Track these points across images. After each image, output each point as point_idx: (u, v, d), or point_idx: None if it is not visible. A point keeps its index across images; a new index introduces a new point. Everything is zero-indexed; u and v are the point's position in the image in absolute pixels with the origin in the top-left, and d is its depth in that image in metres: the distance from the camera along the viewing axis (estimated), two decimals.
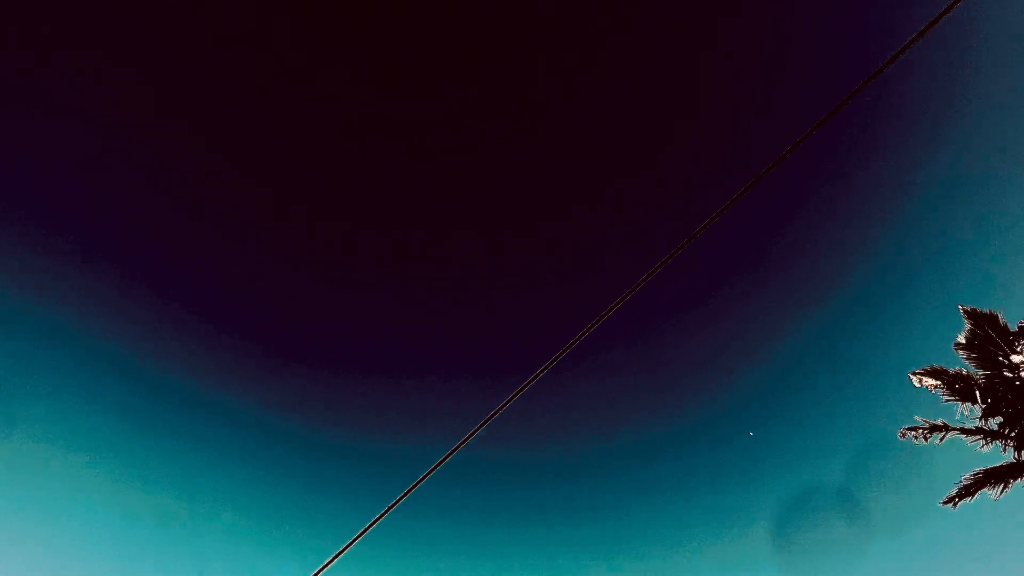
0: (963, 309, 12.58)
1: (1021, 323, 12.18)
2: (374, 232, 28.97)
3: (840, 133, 24.38)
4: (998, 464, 12.46)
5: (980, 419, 12.61)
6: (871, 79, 3.57)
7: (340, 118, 26.67)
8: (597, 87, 26.85)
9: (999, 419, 12.35)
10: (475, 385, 29.60)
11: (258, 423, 29.20)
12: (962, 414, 12.80)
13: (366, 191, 28.50)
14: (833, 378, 28.93)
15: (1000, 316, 12.22)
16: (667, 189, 28.43)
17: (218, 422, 28.73)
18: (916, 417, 13.03)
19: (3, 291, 24.53)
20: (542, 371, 3.94)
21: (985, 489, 12.40)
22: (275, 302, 29.18)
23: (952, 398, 12.80)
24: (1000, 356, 12.18)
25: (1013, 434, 12.20)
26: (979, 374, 12.51)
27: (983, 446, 12.61)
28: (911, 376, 13.27)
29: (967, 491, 12.57)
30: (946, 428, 12.82)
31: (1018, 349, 12.11)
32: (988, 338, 12.23)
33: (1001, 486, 12.27)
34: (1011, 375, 12.12)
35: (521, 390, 3.94)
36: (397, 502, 3.95)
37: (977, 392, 12.32)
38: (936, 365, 12.97)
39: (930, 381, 12.96)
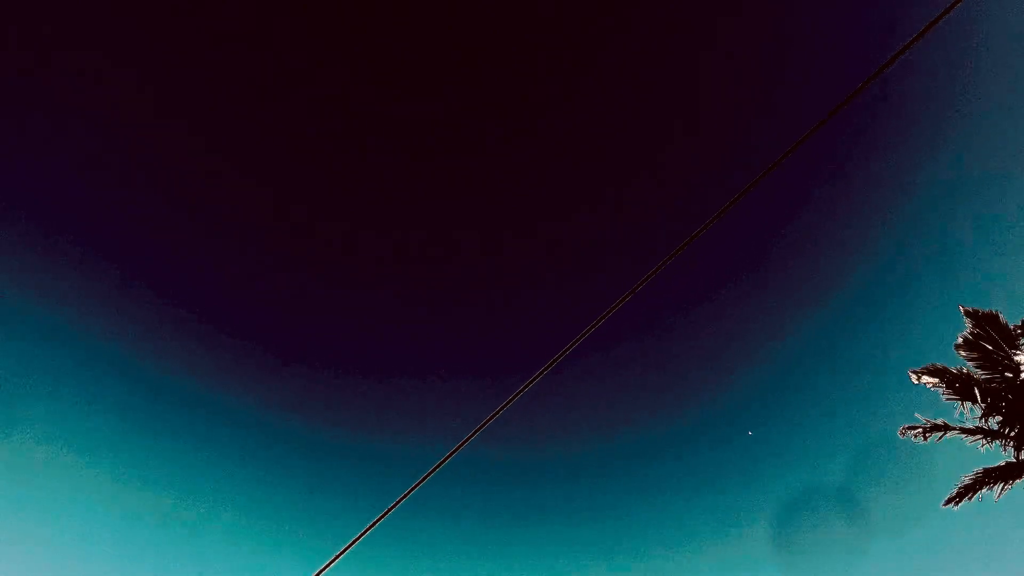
0: (964, 309, 12.58)
1: (1021, 321, 12.17)
2: (374, 232, 29.00)
3: (840, 133, 24.39)
4: (998, 464, 12.46)
5: (980, 419, 12.61)
6: (871, 79, 3.57)
7: (340, 118, 26.69)
8: (597, 87, 26.87)
9: (999, 419, 12.35)
10: (475, 385, 29.64)
11: (258, 423, 29.23)
12: (961, 414, 12.81)
13: (366, 191, 28.53)
14: (833, 378, 28.96)
15: (1000, 315, 12.22)
16: (667, 189, 28.45)
17: (218, 422, 28.76)
18: (917, 415, 13.05)
19: (3, 291, 24.55)
20: (543, 371, 3.94)
21: (985, 489, 12.40)
22: (275, 302, 29.21)
23: (952, 397, 12.80)
24: (1000, 356, 12.18)
25: (1013, 434, 12.20)
26: (979, 374, 12.51)
27: (982, 446, 12.61)
28: (910, 373, 13.27)
29: (967, 491, 12.56)
30: (946, 427, 12.82)
31: (1019, 348, 12.11)
32: (989, 338, 12.22)
33: (1001, 486, 12.27)
34: (1012, 375, 12.12)
35: (522, 390, 3.94)
36: (398, 502, 3.95)
37: (977, 391, 12.31)
38: (936, 364, 12.97)
39: (929, 379, 12.96)
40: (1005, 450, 12.37)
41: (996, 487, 12.32)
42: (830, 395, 28.96)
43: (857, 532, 25.98)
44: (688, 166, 28.11)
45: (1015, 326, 12.15)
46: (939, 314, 24.54)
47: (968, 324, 12.54)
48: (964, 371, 12.63)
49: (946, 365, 12.91)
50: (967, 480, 12.58)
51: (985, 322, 12.26)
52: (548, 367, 3.94)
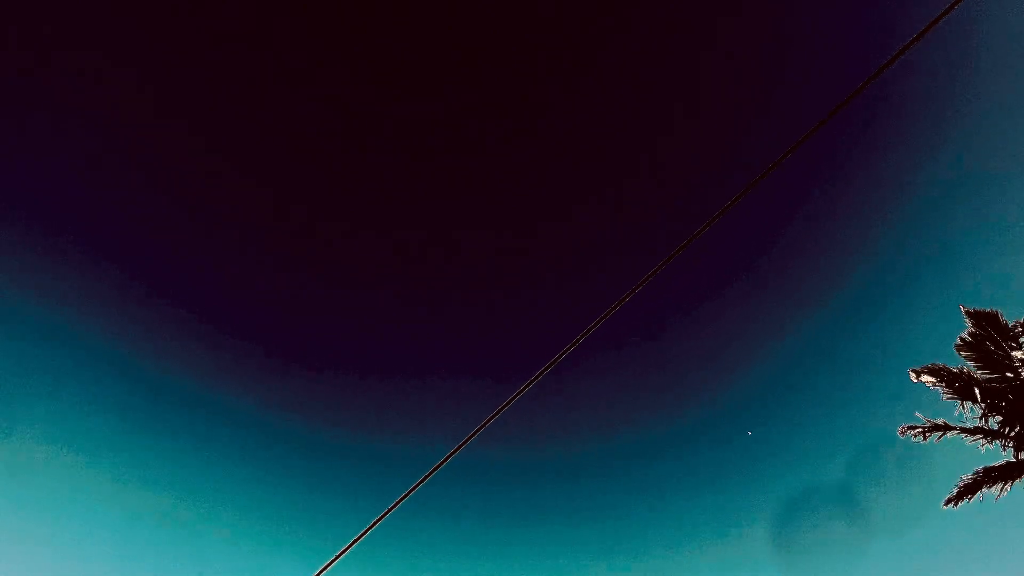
0: (964, 309, 12.56)
1: (1020, 320, 12.13)
2: (374, 232, 29.00)
3: (840, 133, 24.40)
4: (998, 464, 12.46)
5: (980, 418, 12.61)
6: (871, 79, 3.57)
7: (340, 118, 26.69)
8: (597, 87, 26.87)
9: (999, 418, 12.34)
10: (475, 385, 29.64)
11: (259, 423, 29.23)
12: (961, 414, 12.81)
13: (366, 191, 28.53)
14: (833, 378, 28.97)
15: (1001, 315, 12.20)
16: (667, 189, 28.46)
17: (218, 422, 28.77)
18: (917, 414, 13.05)
19: (3, 291, 24.55)
20: (543, 371, 3.94)
21: (985, 489, 12.39)
22: (275, 302, 29.21)
23: (952, 396, 12.79)
24: (1001, 355, 12.17)
25: (1013, 433, 12.20)
26: (980, 373, 12.49)
27: (982, 446, 12.61)
28: (910, 372, 13.26)
29: (967, 491, 12.56)
30: (946, 427, 12.82)
31: (1020, 347, 12.09)
32: (989, 337, 12.21)
33: (1001, 485, 12.27)
34: (1012, 374, 12.11)
35: (522, 391, 3.94)
36: (398, 503, 3.95)
37: (977, 391, 12.30)
38: (936, 364, 12.97)
39: (929, 378, 12.95)
40: (1005, 450, 12.38)
41: (996, 487, 12.32)
42: (830, 395, 28.98)
43: (857, 532, 26.00)
44: (688, 166, 28.14)
45: (1016, 323, 12.13)
46: (939, 314, 24.57)
47: (968, 324, 12.53)
48: (964, 371, 12.62)
49: (947, 365, 12.92)
50: (967, 480, 12.58)
51: (985, 321, 12.25)
52: (548, 367, 3.95)
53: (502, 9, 24.75)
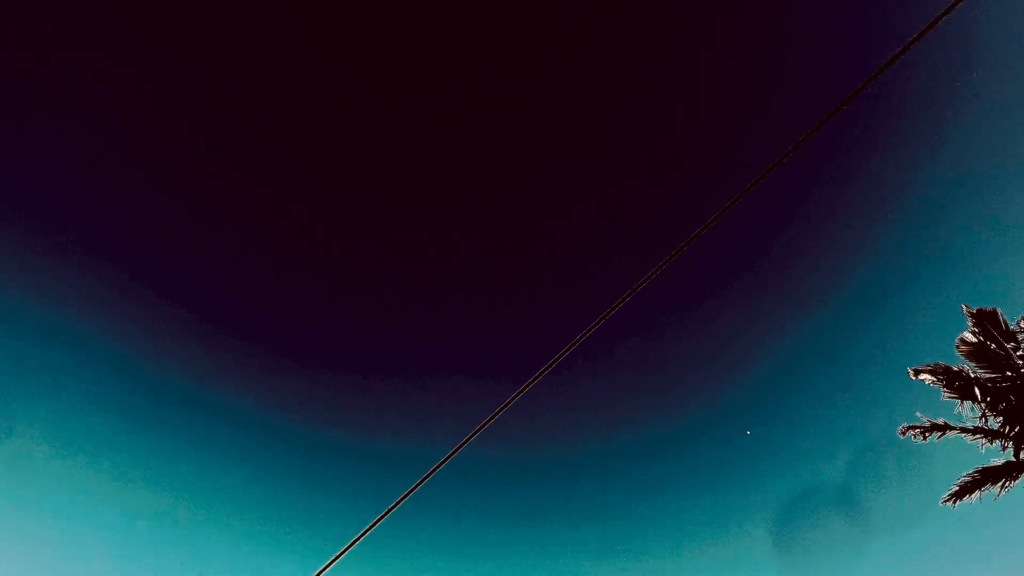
0: (966, 308, 12.53)
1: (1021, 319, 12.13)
2: (374, 232, 29.00)
3: (840, 133, 24.39)
4: (997, 463, 12.46)
5: (980, 418, 12.61)
6: (871, 79, 3.57)
7: (340, 118, 26.68)
8: (597, 87, 26.87)
9: (999, 418, 12.34)
10: (475, 385, 29.64)
11: (258, 423, 29.23)
12: (960, 415, 12.81)
13: (366, 191, 28.52)
14: (833, 378, 28.96)
15: (1001, 314, 12.19)
16: (667, 189, 28.46)
17: (218, 422, 28.77)
18: (918, 414, 13.04)
19: (3, 291, 24.55)
20: (543, 371, 3.94)
21: (985, 488, 12.39)
22: (275, 302, 29.21)
23: (952, 395, 12.78)
24: (1001, 354, 12.17)
25: (1013, 433, 12.19)
26: (980, 373, 12.49)
27: (982, 445, 12.61)
28: (909, 371, 13.25)
29: (965, 489, 12.56)
30: (946, 427, 12.81)
31: (1020, 346, 12.09)
32: (990, 336, 12.20)
33: (1000, 485, 12.27)
34: (1012, 373, 12.11)
35: (522, 391, 3.94)
36: (398, 503, 3.95)
37: (977, 390, 12.30)
38: (937, 363, 12.96)
39: (928, 377, 12.94)
40: (1004, 449, 12.38)
41: (996, 486, 12.32)
42: (830, 395, 28.98)
43: (857, 532, 26.00)
44: (688, 166, 28.13)
45: (1018, 322, 12.12)
46: (939, 314, 24.57)
47: (969, 322, 12.51)
48: (964, 370, 12.62)
49: (947, 364, 12.91)
50: (966, 478, 12.58)
51: (986, 320, 12.24)
52: (548, 367, 3.95)
53: (502, 9, 24.76)
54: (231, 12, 24.08)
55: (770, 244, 28.53)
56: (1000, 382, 12.27)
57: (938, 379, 12.83)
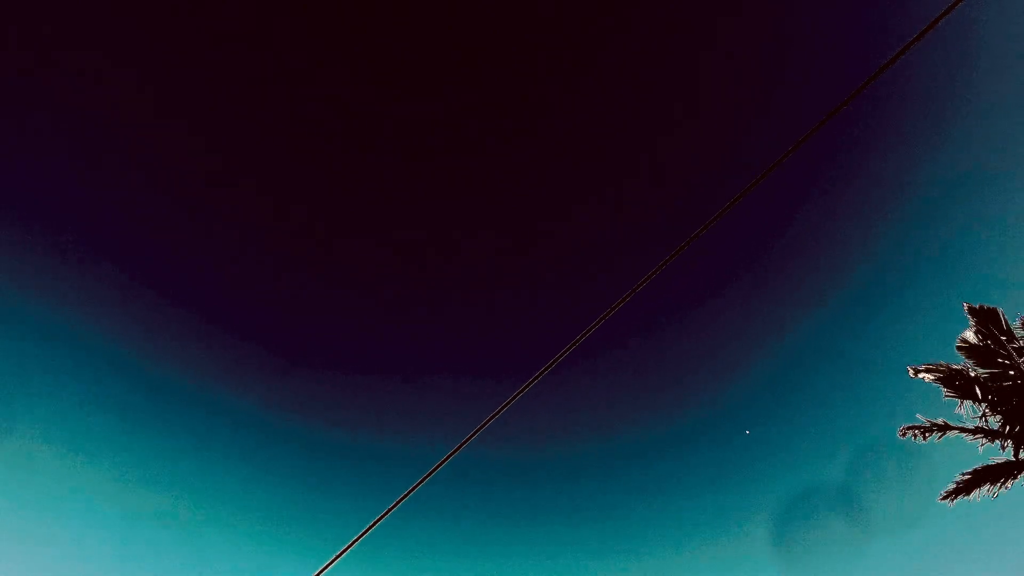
0: (967, 306, 12.48)
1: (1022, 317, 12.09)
2: (374, 232, 29.01)
3: (840, 133, 24.40)
4: (995, 462, 12.45)
5: (980, 417, 12.59)
6: (871, 79, 3.58)
7: (340, 118, 26.69)
8: (597, 87, 26.87)
9: (999, 418, 12.33)
10: (475, 385, 29.65)
11: (259, 423, 29.24)
12: (959, 416, 12.80)
13: (366, 191, 28.53)
14: (833, 378, 28.97)
15: (1002, 313, 12.17)
16: (667, 189, 28.46)
17: (219, 422, 28.78)
18: (918, 416, 13.03)
19: (3, 291, 24.55)
20: (543, 371, 3.94)
21: (984, 487, 12.39)
22: (275, 302, 29.22)
23: (952, 395, 12.77)
24: (1002, 353, 12.15)
25: (1014, 433, 12.18)
26: (981, 372, 12.47)
27: (982, 445, 12.60)
28: (909, 369, 13.23)
29: (964, 488, 12.55)
30: (946, 427, 12.80)
31: (1020, 345, 12.07)
32: (990, 335, 12.18)
33: (999, 485, 12.26)
34: (1013, 373, 12.10)
35: (522, 391, 3.94)
36: (398, 503, 3.95)
37: (978, 389, 12.28)
38: (938, 362, 12.95)
39: (928, 375, 12.93)
40: (1004, 449, 12.37)
41: (995, 486, 12.31)
42: (830, 395, 29.00)
43: (857, 532, 26.00)
44: (688, 166, 28.14)
45: (1021, 317, 12.08)
46: (939, 314, 24.59)
47: (971, 321, 12.47)
48: (964, 369, 12.60)
49: (948, 363, 12.90)
50: (964, 477, 12.57)
51: (987, 319, 12.22)
52: (548, 367, 3.95)
53: (502, 9, 24.77)
54: (231, 12, 24.10)
55: (770, 244, 28.56)
56: (1001, 381, 12.26)
57: (938, 378, 12.82)
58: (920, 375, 13.07)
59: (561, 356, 3.97)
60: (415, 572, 28.95)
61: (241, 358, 28.70)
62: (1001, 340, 12.07)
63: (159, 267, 27.44)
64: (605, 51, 26.00)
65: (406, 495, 3.96)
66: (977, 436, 12.62)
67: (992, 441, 12.49)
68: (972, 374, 12.49)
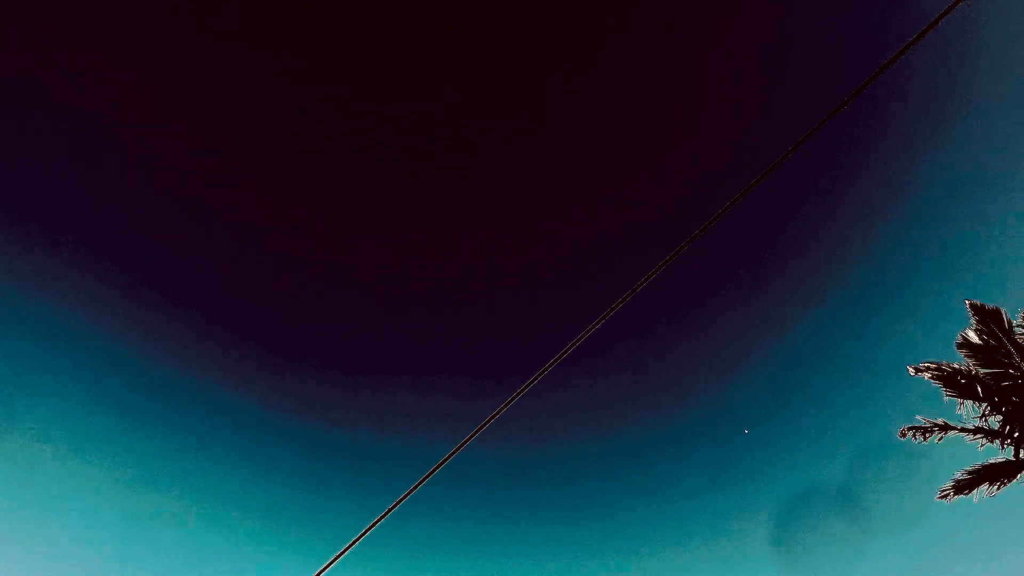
0: (970, 304, 12.43)
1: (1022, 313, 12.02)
2: (374, 232, 29.01)
3: (840, 133, 24.40)
4: (994, 462, 12.44)
5: (980, 417, 12.58)
6: (872, 79, 3.57)
7: (340, 118, 26.69)
8: (597, 87, 26.87)
9: (999, 418, 12.32)
10: (475, 385, 29.65)
11: (259, 423, 29.24)
12: (959, 416, 12.79)
13: (366, 191, 28.53)
14: (833, 378, 28.97)
15: (1004, 312, 12.14)
16: (667, 189, 28.46)
17: (219, 422, 28.78)
18: (917, 417, 13.02)
19: (3, 291, 24.55)
20: (543, 371, 3.94)
21: (983, 486, 12.38)
22: (275, 302, 29.22)
23: (952, 394, 12.76)
24: (1003, 352, 12.13)
25: (1016, 434, 12.17)
26: (982, 371, 12.45)
27: (982, 446, 12.60)
28: (909, 368, 13.21)
29: (962, 487, 12.54)
30: (946, 427, 12.79)
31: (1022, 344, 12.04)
32: (991, 334, 12.16)
33: (998, 484, 12.25)
34: (1014, 371, 12.08)
35: (522, 391, 3.94)
36: (398, 503, 3.95)
37: (979, 388, 12.26)
38: (940, 361, 12.93)
39: (928, 375, 12.92)
40: (1004, 448, 12.36)
41: (994, 485, 12.31)
42: (830, 395, 29.00)
43: (857, 532, 26.01)
44: (688, 166, 28.14)
45: (1022, 312, 12.04)
46: (939, 314, 24.59)
47: (972, 320, 12.43)
48: (965, 368, 12.57)
49: (948, 362, 12.88)
50: (963, 476, 12.56)
51: (989, 318, 12.19)
52: (548, 367, 3.95)
53: (502, 9, 24.77)
54: (231, 12, 24.10)
55: (770, 244, 28.56)
56: (1002, 380, 12.24)
57: (939, 377, 12.80)
58: (920, 374, 13.06)
59: (561, 356, 3.97)
60: (415, 572, 28.98)
61: (241, 358, 28.72)
62: (1003, 340, 12.05)
63: (159, 267, 27.46)
64: (605, 51, 26.02)
65: (406, 495, 3.96)
66: (977, 436, 12.61)
67: (992, 441, 12.49)
68: (974, 373, 12.47)
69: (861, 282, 27.60)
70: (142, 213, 26.51)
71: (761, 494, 28.82)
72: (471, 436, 3.98)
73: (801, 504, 26.56)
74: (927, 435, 12.85)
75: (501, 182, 28.46)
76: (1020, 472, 12.17)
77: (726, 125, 27.13)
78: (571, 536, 29.83)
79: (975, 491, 12.47)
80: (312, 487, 29.45)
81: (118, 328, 27.11)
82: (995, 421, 12.43)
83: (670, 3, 24.82)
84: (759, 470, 29.24)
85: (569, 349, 3.96)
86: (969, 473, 12.53)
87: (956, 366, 12.71)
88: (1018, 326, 12.03)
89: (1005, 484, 12.25)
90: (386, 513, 3.96)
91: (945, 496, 12.79)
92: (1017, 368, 12.05)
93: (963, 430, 12.75)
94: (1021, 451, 12.15)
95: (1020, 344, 12.04)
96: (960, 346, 12.67)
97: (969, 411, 12.70)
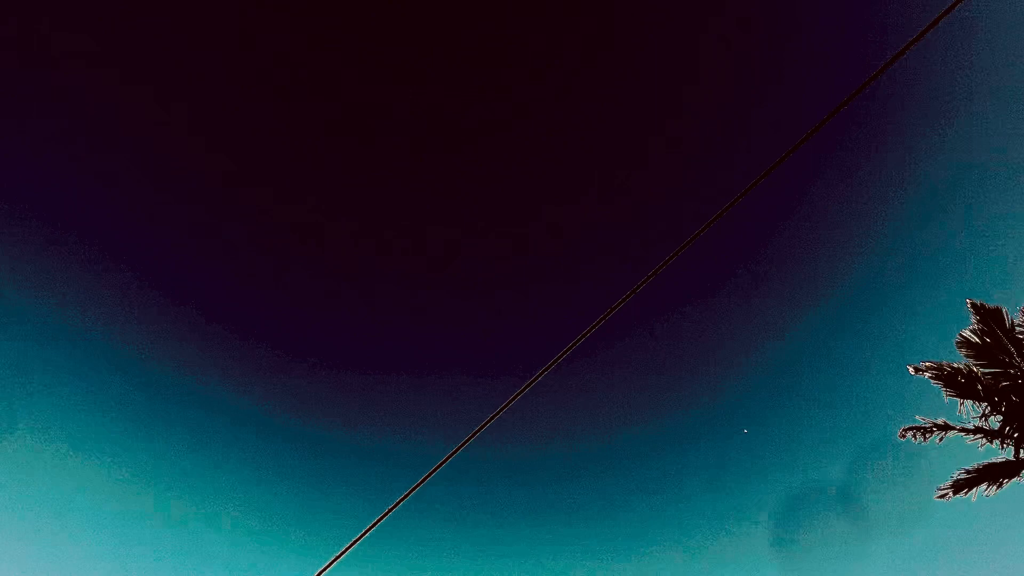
0: (971, 303, 12.42)
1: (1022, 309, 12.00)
2: (375, 231, 29.02)
3: (840, 133, 24.40)
4: (993, 461, 12.43)
5: (980, 417, 12.58)
6: (872, 79, 3.57)
7: (341, 118, 26.69)
8: (598, 87, 26.87)
9: (999, 417, 12.31)
10: (475, 385, 29.66)
11: (259, 423, 29.24)
12: (959, 417, 12.79)
13: (366, 191, 28.54)
14: (833, 378, 28.97)
15: (1005, 311, 12.13)
16: (667, 189, 28.47)
17: (219, 422, 28.78)
18: (917, 417, 13.01)
19: (3, 291, 24.56)
20: (543, 371, 3.94)
21: (980, 486, 12.38)
22: (275, 302, 29.23)
23: (952, 394, 12.76)
24: (1004, 352, 12.12)
25: (1016, 434, 12.16)
26: (982, 371, 12.44)
27: (982, 446, 12.59)
28: (909, 368, 13.20)
29: (960, 487, 12.54)
30: (946, 427, 12.78)
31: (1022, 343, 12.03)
32: (992, 333, 12.15)
33: (996, 484, 12.25)
34: (1015, 371, 12.07)
35: (522, 391, 3.94)
36: (399, 503, 3.95)
37: (980, 388, 12.25)
38: (941, 361, 12.93)
39: (928, 374, 12.92)
40: (1004, 448, 12.35)
41: (992, 485, 12.30)
42: (830, 395, 28.99)
43: (857, 531, 26.01)
44: (688, 166, 28.15)
45: (1022, 308, 12.02)
46: (939, 315, 24.60)
47: (973, 319, 12.42)
48: (965, 368, 12.56)
49: (948, 362, 12.87)
50: (961, 476, 12.56)
51: (990, 317, 12.18)
52: (548, 367, 3.95)
53: (500, 9, 24.78)
54: (231, 12, 24.09)
55: (769, 243, 28.57)
56: (1002, 380, 12.23)
57: (939, 376, 12.79)
58: (920, 374, 13.05)
59: (561, 356, 3.97)
60: (415, 572, 28.98)
61: (241, 357, 28.73)
62: (1005, 339, 12.04)
63: (160, 266, 27.47)
64: (606, 50, 26.03)
65: (406, 495, 3.96)
66: (977, 436, 12.60)
67: (992, 441, 12.48)
68: (974, 373, 12.46)
69: (861, 282, 27.62)
70: (143, 212, 26.54)
71: (761, 494, 28.85)
72: (471, 436, 3.98)
73: (801, 504, 26.58)
74: (927, 435, 12.85)
75: (501, 182, 28.50)
76: (1019, 472, 12.17)
77: (726, 125, 27.15)
78: (571, 536, 29.87)
79: (974, 491, 12.47)
80: (312, 487, 29.49)
81: (118, 328, 27.14)
82: (995, 421, 12.42)
83: (670, 2, 24.85)
84: (759, 470, 29.28)
85: (569, 349, 3.96)
86: (968, 473, 12.53)
87: (956, 366, 12.70)
88: (1019, 324, 12.01)
89: (1004, 484, 12.24)
90: (386, 513, 3.96)
91: (943, 496, 12.79)
92: (1017, 368, 12.05)
93: (963, 430, 12.74)
94: (1021, 451, 12.14)
95: (1021, 343, 12.03)
96: (960, 345, 12.66)
97: (969, 411, 12.69)
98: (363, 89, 26.15)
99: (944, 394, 12.85)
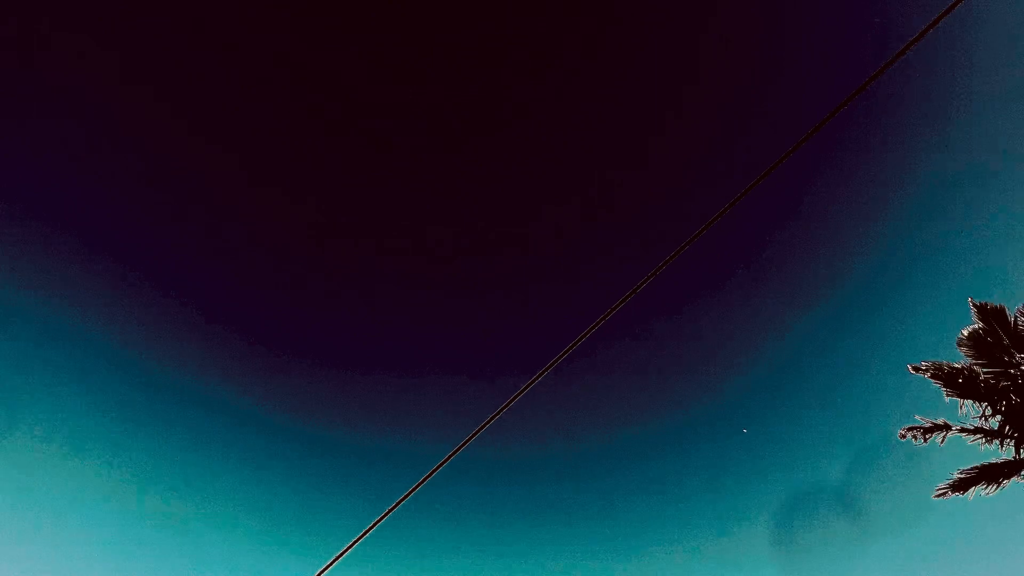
0: (972, 303, 12.40)
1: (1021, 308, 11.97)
2: (375, 231, 29.01)
3: (839, 133, 24.39)
4: (992, 461, 12.43)
5: (981, 417, 12.57)
6: (872, 79, 3.57)
7: (342, 118, 26.69)
8: (598, 87, 26.87)
9: (999, 417, 12.30)
10: (475, 385, 29.65)
11: (259, 422, 29.24)
12: (959, 417, 12.78)
13: (366, 191, 28.54)
14: (832, 377, 28.96)
15: (1008, 311, 12.11)
16: (667, 189, 28.46)
17: (219, 422, 28.78)
18: (917, 417, 13.00)
19: (3, 291, 24.55)
20: (543, 371, 3.94)
21: (979, 486, 12.37)
22: (275, 302, 29.22)
23: (952, 394, 12.75)
24: (1006, 351, 12.10)
25: (1016, 434, 12.15)
26: (983, 371, 12.42)
27: (982, 446, 12.59)
28: (909, 367, 13.20)
29: (959, 486, 12.53)
30: (946, 427, 12.77)
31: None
32: (994, 333, 12.13)
33: (996, 484, 12.24)
34: (1015, 371, 12.06)
35: (522, 391, 3.94)
36: (399, 503, 3.95)
37: (982, 387, 12.24)
38: (941, 361, 12.92)
39: (928, 374, 12.91)
40: (1003, 448, 12.35)
41: (991, 485, 12.30)
42: (830, 395, 28.99)
43: (857, 531, 26.02)
44: (688, 166, 28.14)
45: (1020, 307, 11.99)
46: (939, 315, 24.59)
47: (975, 319, 12.40)
48: (966, 367, 12.54)
49: (949, 361, 12.86)
50: (959, 475, 12.55)
51: (992, 317, 12.16)
52: (548, 367, 3.95)
53: (499, 9, 24.78)
54: (232, 12, 24.09)
55: (769, 243, 28.56)
56: (1002, 380, 12.22)
57: (939, 376, 12.78)
58: (920, 374, 13.05)
59: (561, 356, 3.97)
60: (415, 572, 28.98)
61: (241, 357, 28.72)
62: (1007, 338, 12.01)
63: (159, 266, 27.47)
64: (606, 50, 26.03)
65: (407, 495, 3.96)
66: (977, 436, 12.60)
67: (992, 441, 12.47)
68: (974, 373, 12.45)
69: (861, 282, 27.62)
70: (143, 212, 26.54)
71: (760, 494, 28.85)
72: (471, 436, 3.98)
73: (800, 504, 26.58)
74: (927, 435, 12.83)
75: (501, 182, 28.49)
76: (1018, 471, 12.16)
77: (726, 125, 27.15)
78: (571, 536, 29.86)
79: (972, 490, 12.46)
80: (312, 487, 29.49)
81: (118, 328, 27.14)
82: (996, 421, 12.42)
83: (669, 2, 24.85)
84: (758, 470, 29.27)
85: (569, 349, 3.96)
86: (966, 472, 12.52)
87: (956, 366, 12.69)
88: (1020, 324, 12.00)
89: (1003, 483, 12.24)
90: (386, 513, 3.96)
91: (942, 495, 12.78)
92: (1018, 368, 12.04)
93: (963, 430, 12.74)
94: (1021, 451, 12.14)
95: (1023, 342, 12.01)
96: (961, 344, 12.63)
97: (970, 411, 12.69)
98: (363, 89, 26.16)
99: (944, 394, 12.85)
